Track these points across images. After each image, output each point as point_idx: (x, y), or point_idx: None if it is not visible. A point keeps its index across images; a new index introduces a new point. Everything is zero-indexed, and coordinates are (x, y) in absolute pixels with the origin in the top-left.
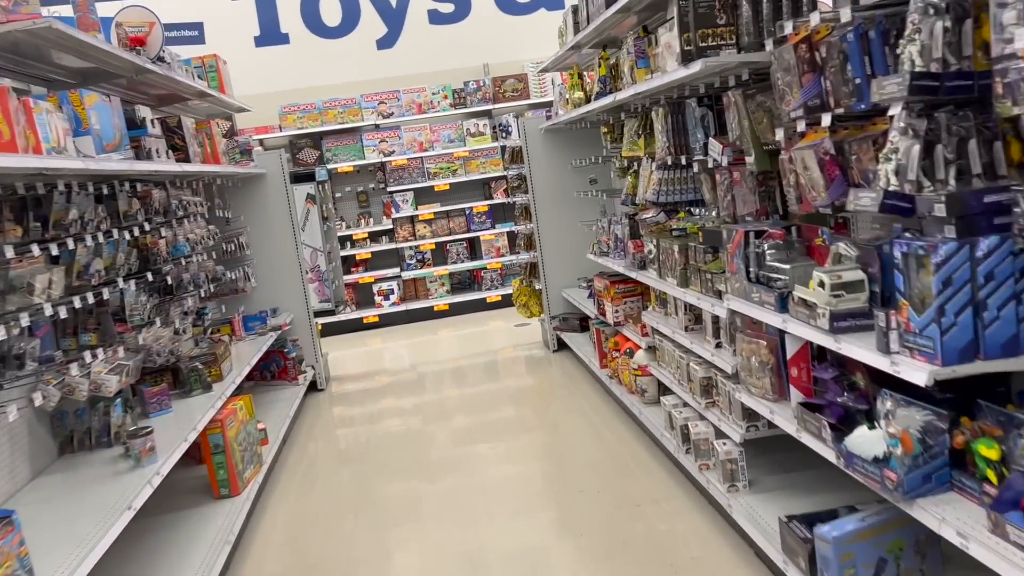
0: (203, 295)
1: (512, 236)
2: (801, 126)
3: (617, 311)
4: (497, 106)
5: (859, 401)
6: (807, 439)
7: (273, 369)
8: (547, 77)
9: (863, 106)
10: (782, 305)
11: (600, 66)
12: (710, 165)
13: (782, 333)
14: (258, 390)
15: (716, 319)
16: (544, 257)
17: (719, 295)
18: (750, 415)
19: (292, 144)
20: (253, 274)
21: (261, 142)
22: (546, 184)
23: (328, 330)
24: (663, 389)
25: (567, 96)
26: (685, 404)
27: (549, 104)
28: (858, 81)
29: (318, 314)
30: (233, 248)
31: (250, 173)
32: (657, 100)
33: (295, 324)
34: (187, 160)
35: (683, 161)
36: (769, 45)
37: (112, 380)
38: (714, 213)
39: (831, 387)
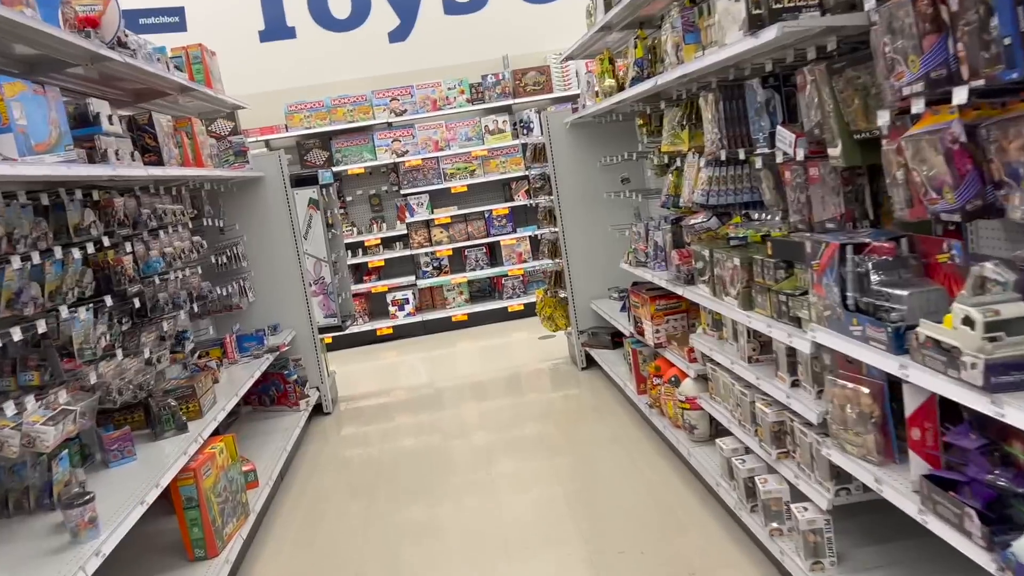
0: (185, 315)
1: (535, 241)
2: (918, 105)
3: (658, 331)
4: (517, 101)
5: (1020, 482)
6: (938, 527)
7: (272, 393)
8: (571, 68)
9: (1015, 75)
10: (899, 345)
11: (636, 47)
12: (779, 159)
13: (891, 377)
14: (255, 417)
15: (792, 351)
16: (570, 265)
17: (798, 323)
18: (840, 474)
19: (299, 145)
20: (250, 288)
21: (267, 143)
22: (572, 184)
23: (338, 343)
24: (717, 427)
25: (596, 86)
26: (748, 451)
27: (574, 98)
28: (1008, 42)
29: (323, 330)
30: (227, 260)
31: (244, 177)
32: (706, 84)
33: (297, 342)
34: (160, 163)
35: (740, 155)
36: (869, 3)
37: (48, 432)
38: (778, 218)
39: (975, 460)
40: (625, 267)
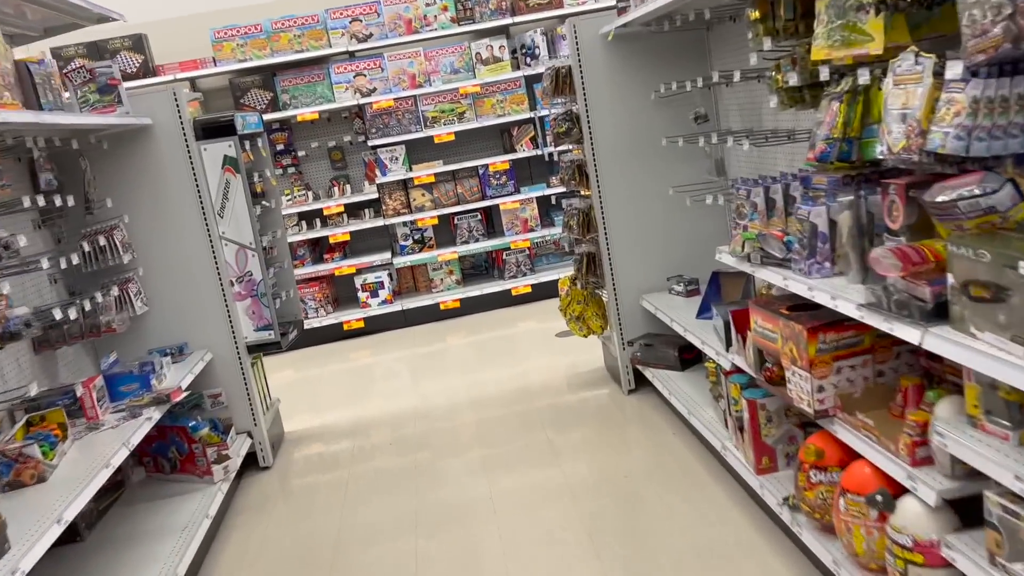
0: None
1: (545, 203)
2: None
3: (822, 388)
4: (518, 20)
5: None
6: None
7: (172, 456)
8: None
9: None
10: None
11: None
12: None
13: None
14: (146, 491)
15: None
16: (611, 245)
17: None
18: None
19: (233, 85)
20: (139, 294)
21: (192, 83)
22: (614, 126)
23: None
24: None
25: None
26: None
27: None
28: None
29: (255, 348)
30: (94, 254)
31: (115, 127)
32: None
33: (215, 369)
34: None
35: None
36: None
37: None
38: None
39: None
40: (729, 260)
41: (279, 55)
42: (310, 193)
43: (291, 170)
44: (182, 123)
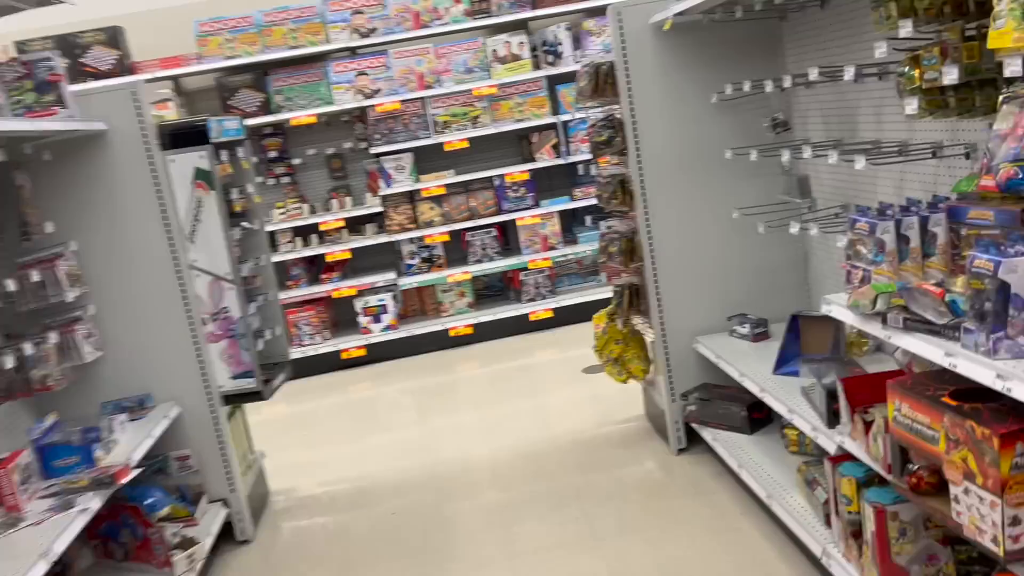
0: None
1: (567, 218)
2: None
3: (1020, 519)
4: (539, 13)
5: None
6: None
7: (125, 541)
8: None
9: None
10: None
11: None
12: None
13: None
14: None
15: None
16: (660, 277)
17: None
18: None
19: (220, 85)
20: (90, 336)
21: (175, 82)
22: (665, 135)
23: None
24: None
25: None
26: None
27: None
28: None
29: (232, 398)
30: (31, 290)
31: (59, 133)
32: None
33: (183, 425)
34: None
35: None
36: None
37: None
38: None
39: None
40: (847, 316)
41: (272, 51)
42: (306, 206)
43: (285, 180)
44: (143, 129)
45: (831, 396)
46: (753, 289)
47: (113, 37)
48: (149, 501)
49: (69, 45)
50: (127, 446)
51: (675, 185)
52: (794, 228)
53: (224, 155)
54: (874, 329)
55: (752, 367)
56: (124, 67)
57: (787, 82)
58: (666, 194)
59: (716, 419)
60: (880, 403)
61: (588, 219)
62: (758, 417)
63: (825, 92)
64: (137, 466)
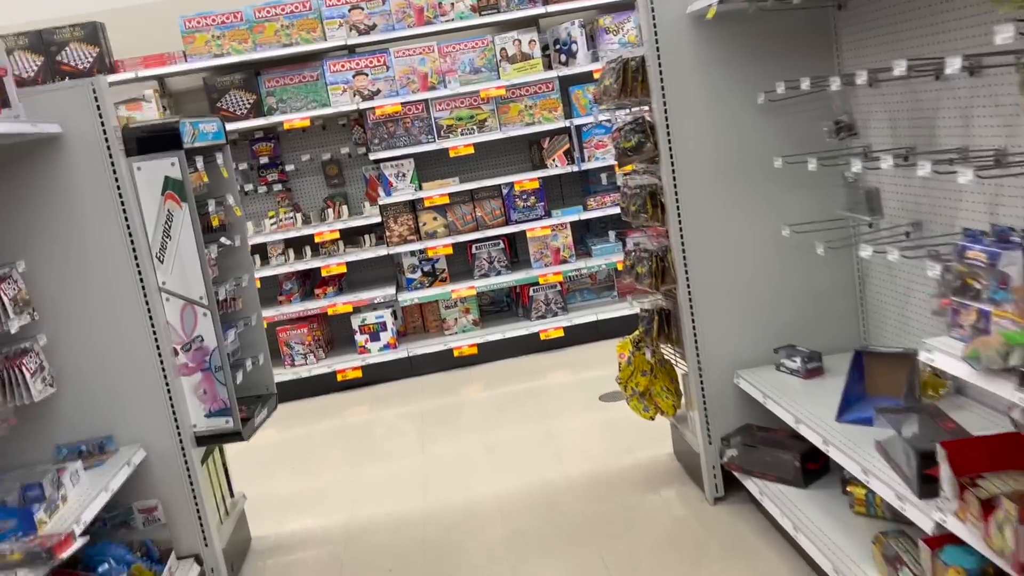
0: None
1: (579, 229)
2: None
3: None
4: (551, 9)
5: None
6: None
7: None
8: None
9: None
10: None
11: None
12: None
13: None
14: None
15: None
16: (697, 301)
17: None
18: None
19: (208, 85)
20: (43, 370)
21: (160, 82)
22: (704, 140)
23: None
24: None
25: None
26: None
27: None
28: None
29: (205, 439)
30: None
31: (5, 136)
32: None
33: (149, 470)
34: None
35: None
36: None
37: None
38: None
39: None
40: (958, 369)
41: (263, 49)
42: (299, 216)
43: (277, 188)
44: (105, 132)
45: (924, 458)
46: (801, 317)
47: (92, 33)
48: (103, 569)
49: (44, 42)
50: (77, 503)
51: (714, 197)
52: (866, 251)
53: (200, 162)
54: (1005, 390)
55: (808, 410)
56: (104, 66)
57: (862, 78)
58: (704, 207)
59: (763, 468)
60: (992, 472)
61: (612, 234)
62: (813, 468)
63: (893, 91)
64: (91, 525)
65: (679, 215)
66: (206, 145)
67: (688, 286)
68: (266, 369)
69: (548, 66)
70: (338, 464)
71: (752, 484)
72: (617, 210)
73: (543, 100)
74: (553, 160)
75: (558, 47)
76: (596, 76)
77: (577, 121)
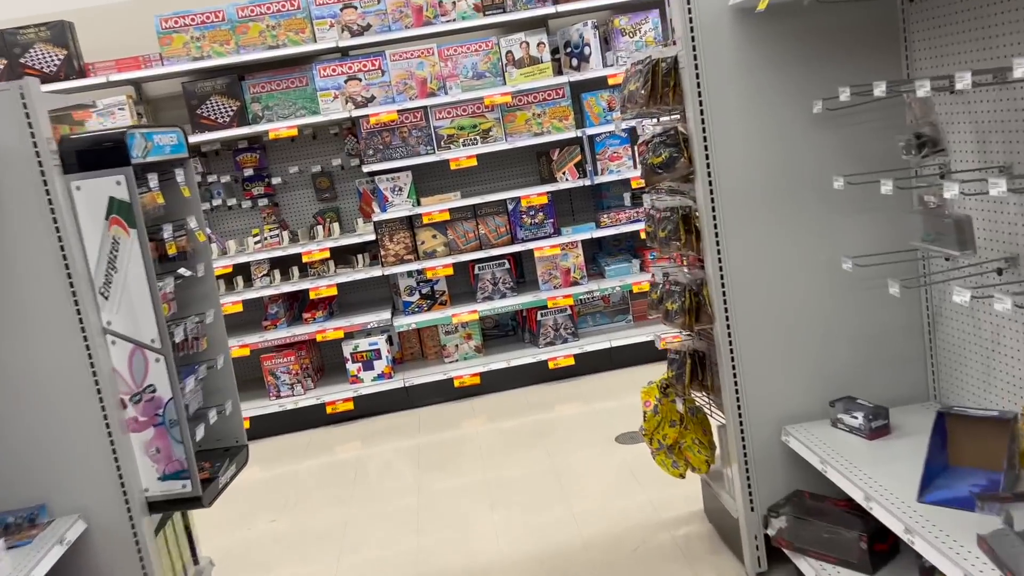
0: None
1: (591, 247)
2: None
3: None
4: (561, 9)
5: None
6: None
7: None
8: None
9: None
10: None
11: None
12: None
13: None
14: None
15: None
16: (738, 343)
17: None
18: None
19: (188, 91)
20: None
21: (136, 87)
22: (749, 155)
23: (257, 429)
24: None
25: None
26: None
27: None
28: None
29: (158, 506)
30: None
31: None
32: None
33: (90, 545)
34: None
35: None
36: None
37: None
38: None
39: None
40: None
41: (247, 52)
42: (286, 233)
43: (263, 202)
44: (36, 145)
45: None
46: (860, 363)
47: (60, 33)
48: None
49: (6, 43)
50: None
51: (760, 222)
52: (961, 296)
53: (154, 180)
54: None
55: (879, 483)
56: (73, 69)
57: (964, 80)
58: (747, 234)
59: (820, 547)
60: None
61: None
62: (881, 549)
63: (982, 98)
64: None
65: (718, 243)
66: (162, 159)
67: (728, 326)
68: (235, 418)
69: (558, 71)
70: (325, 508)
71: (806, 564)
72: (633, 228)
73: (552, 108)
74: (563, 173)
75: (569, 50)
76: (611, 82)
77: (590, 131)
